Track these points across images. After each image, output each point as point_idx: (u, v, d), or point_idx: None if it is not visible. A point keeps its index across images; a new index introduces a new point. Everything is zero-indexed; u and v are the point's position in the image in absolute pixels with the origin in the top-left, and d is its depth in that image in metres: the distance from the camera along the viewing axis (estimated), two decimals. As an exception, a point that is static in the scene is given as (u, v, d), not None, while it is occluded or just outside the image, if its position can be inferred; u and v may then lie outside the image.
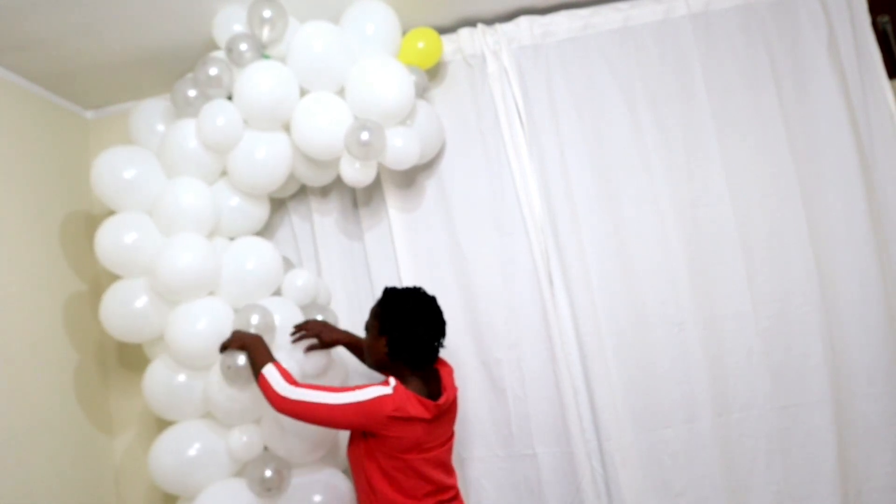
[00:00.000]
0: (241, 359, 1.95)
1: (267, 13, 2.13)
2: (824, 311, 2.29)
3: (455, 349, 2.34)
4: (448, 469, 1.96)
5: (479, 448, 2.32)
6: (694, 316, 2.30)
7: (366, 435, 1.83)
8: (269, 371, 1.84)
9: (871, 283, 2.29)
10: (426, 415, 1.80)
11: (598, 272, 2.34)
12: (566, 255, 2.33)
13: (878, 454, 2.26)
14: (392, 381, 1.80)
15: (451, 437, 1.98)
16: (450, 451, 1.98)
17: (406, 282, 2.37)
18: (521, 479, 2.30)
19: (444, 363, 2.03)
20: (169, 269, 2.03)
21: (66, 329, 2.31)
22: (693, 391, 2.28)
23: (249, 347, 1.94)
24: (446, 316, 2.33)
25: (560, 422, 2.28)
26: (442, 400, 1.87)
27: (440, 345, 1.93)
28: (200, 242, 2.10)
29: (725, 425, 2.28)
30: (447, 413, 1.93)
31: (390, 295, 1.95)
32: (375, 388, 1.78)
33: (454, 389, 1.99)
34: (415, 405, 1.79)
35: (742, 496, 2.26)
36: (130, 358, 2.46)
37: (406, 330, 1.86)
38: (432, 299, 1.96)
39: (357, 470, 1.89)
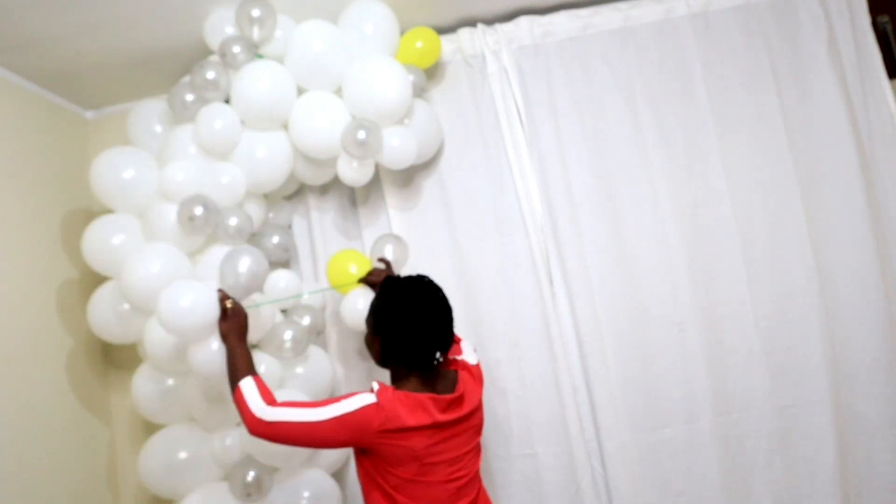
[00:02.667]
0: (244, 263, 1.83)
1: (255, 12, 2.13)
2: (824, 311, 2.29)
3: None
4: (465, 494, 1.68)
5: (478, 448, 2.32)
6: (694, 316, 2.30)
7: (363, 451, 1.63)
8: (246, 386, 1.63)
9: (871, 283, 2.29)
10: (426, 419, 1.58)
11: (598, 272, 2.34)
12: (566, 255, 2.33)
13: (878, 454, 2.26)
14: (375, 385, 1.60)
15: (469, 452, 1.71)
16: (471, 472, 1.71)
17: (406, 282, 2.36)
18: (521, 479, 2.29)
19: (465, 364, 1.83)
20: (133, 280, 1.97)
21: (65, 326, 2.31)
22: (693, 391, 2.28)
23: (229, 345, 1.74)
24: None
25: (560, 422, 2.28)
26: (453, 396, 1.64)
27: (443, 348, 1.70)
28: (169, 253, 2.04)
29: (725, 425, 2.28)
30: (465, 421, 1.68)
31: (386, 288, 1.75)
32: (359, 398, 1.57)
33: (476, 393, 1.76)
34: (410, 410, 1.57)
35: (742, 496, 2.26)
36: (126, 354, 2.45)
37: (398, 332, 1.67)
38: (433, 293, 1.72)
39: (363, 491, 1.70)
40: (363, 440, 1.57)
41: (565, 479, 2.26)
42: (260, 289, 1.91)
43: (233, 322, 1.77)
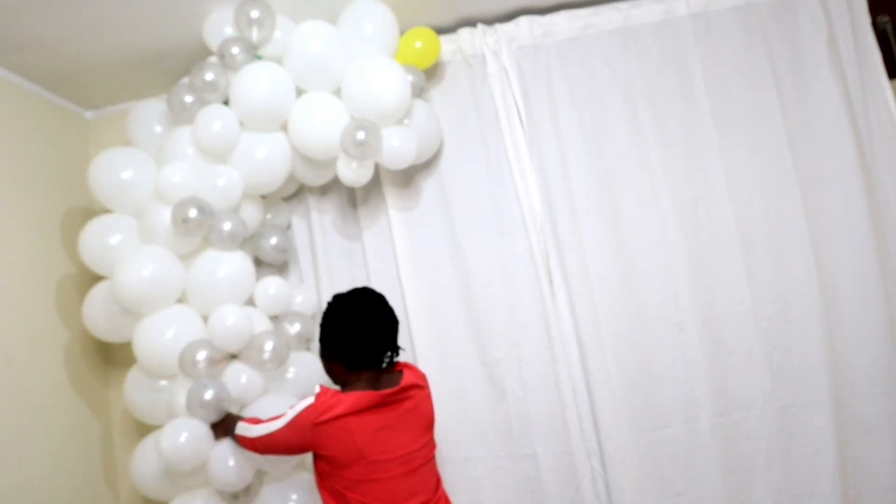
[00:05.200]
0: (209, 393, 1.93)
1: (254, 13, 2.13)
2: (824, 311, 2.29)
3: (455, 349, 2.35)
4: (420, 492, 1.75)
5: (479, 448, 2.32)
6: (694, 316, 2.30)
7: (315, 457, 1.78)
8: (239, 427, 1.86)
9: (871, 283, 2.29)
10: (361, 405, 1.69)
11: (598, 272, 2.34)
12: (566, 255, 2.33)
13: (878, 454, 2.26)
14: (317, 388, 1.74)
15: (420, 450, 1.79)
16: (425, 471, 1.79)
17: (406, 282, 2.37)
18: (521, 479, 2.30)
19: (412, 368, 1.93)
20: (124, 283, 2.01)
21: (64, 324, 2.32)
22: (693, 391, 2.28)
23: (228, 431, 1.95)
24: (446, 316, 2.34)
25: (560, 422, 2.28)
26: (394, 389, 1.75)
27: (389, 344, 1.83)
28: (160, 255, 2.05)
29: (725, 425, 2.28)
30: (407, 417, 1.78)
31: (328, 303, 1.89)
32: (303, 402, 1.73)
33: (421, 393, 1.86)
34: (346, 401, 1.68)
35: (742, 496, 2.26)
36: (125, 351, 2.43)
37: (336, 337, 1.80)
38: (371, 303, 1.85)
39: (319, 495, 1.81)
40: (307, 439, 1.71)
41: (565, 479, 2.26)
42: (228, 408, 2.00)
43: (220, 428, 1.97)
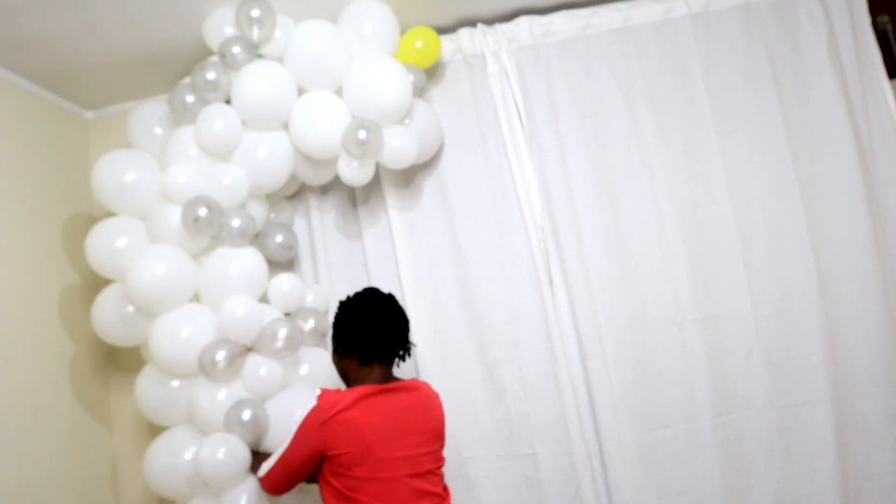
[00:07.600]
0: (247, 413, 1.93)
1: (255, 12, 2.13)
2: (824, 311, 2.29)
3: (455, 349, 2.35)
4: (426, 497, 1.74)
5: (479, 448, 2.32)
6: (694, 316, 2.30)
7: (321, 464, 1.76)
8: (261, 469, 1.85)
9: (871, 283, 2.28)
10: (364, 395, 1.72)
11: (598, 272, 2.34)
12: (566, 255, 2.33)
13: (877, 454, 2.25)
14: (318, 390, 1.76)
15: (427, 455, 1.80)
16: (432, 479, 1.80)
17: (406, 282, 2.37)
18: (521, 479, 2.29)
19: (424, 384, 1.97)
20: (137, 283, 2.00)
21: (65, 327, 2.31)
22: (693, 391, 2.28)
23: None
24: (446, 316, 2.33)
25: (560, 422, 2.28)
26: (397, 384, 1.80)
27: (393, 340, 1.87)
28: (172, 254, 2.06)
29: (725, 425, 2.27)
30: (413, 412, 1.80)
31: (341, 301, 1.95)
32: (303, 411, 1.74)
33: (429, 397, 1.91)
34: (350, 396, 1.71)
35: (742, 496, 2.25)
36: (128, 355, 2.45)
37: (349, 330, 1.86)
38: (381, 299, 1.91)
39: (322, 500, 1.81)
40: (317, 443, 1.70)
41: (565, 479, 2.26)
42: (265, 433, 1.99)
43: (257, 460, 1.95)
